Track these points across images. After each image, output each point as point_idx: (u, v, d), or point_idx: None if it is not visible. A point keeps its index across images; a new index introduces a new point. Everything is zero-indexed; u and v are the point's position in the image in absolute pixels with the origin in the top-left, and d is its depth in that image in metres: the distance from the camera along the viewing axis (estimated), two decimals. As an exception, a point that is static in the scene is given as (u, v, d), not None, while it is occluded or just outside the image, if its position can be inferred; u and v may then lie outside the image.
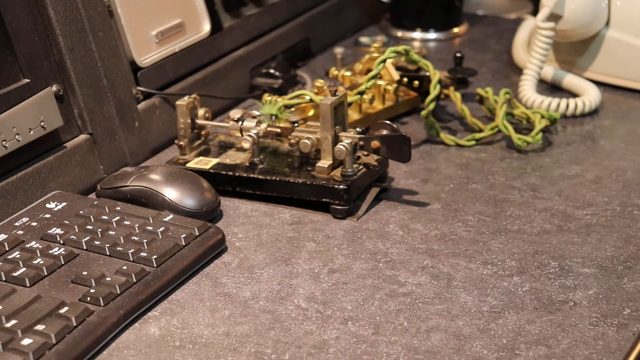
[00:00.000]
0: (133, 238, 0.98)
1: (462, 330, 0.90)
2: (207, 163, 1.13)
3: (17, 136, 1.05)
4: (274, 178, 1.09)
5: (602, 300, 0.93)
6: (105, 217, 1.01)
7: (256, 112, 1.17)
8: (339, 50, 1.36)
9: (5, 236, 0.97)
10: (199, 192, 1.06)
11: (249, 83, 1.36)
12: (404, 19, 1.57)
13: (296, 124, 1.15)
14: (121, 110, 1.17)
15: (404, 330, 0.90)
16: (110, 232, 0.98)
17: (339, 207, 1.07)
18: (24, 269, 0.93)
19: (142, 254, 0.96)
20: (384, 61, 1.19)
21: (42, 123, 1.07)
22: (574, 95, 1.35)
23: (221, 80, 1.32)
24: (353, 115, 1.23)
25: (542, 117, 1.23)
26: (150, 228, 0.99)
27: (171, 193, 1.05)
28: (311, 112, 1.20)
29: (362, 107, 1.25)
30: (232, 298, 0.95)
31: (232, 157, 1.14)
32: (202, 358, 0.87)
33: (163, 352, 0.87)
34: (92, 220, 1.01)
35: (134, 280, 0.92)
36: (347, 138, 1.09)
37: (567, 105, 1.30)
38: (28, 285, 0.91)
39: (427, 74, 1.25)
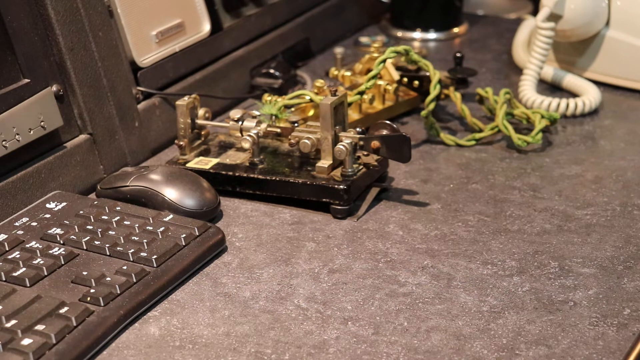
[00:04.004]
0: (133, 238, 0.98)
1: (462, 330, 0.90)
2: (207, 163, 1.13)
3: (17, 136, 1.05)
4: (274, 178, 1.09)
5: (602, 300, 0.93)
6: (105, 217, 1.01)
7: (256, 112, 1.17)
8: (339, 50, 1.36)
9: (5, 236, 0.97)
10: (199, 192, 1.06)
11: (249, 83, 1.36)
12: (404, 19, 1.57)
13: (296, 124, 1.15)
14: (121, 110, 1.17)
15: (404, 330, 0.90)
16: (110, 232, 0.98)
17: (339, 207, 1.07)
18: (24, 269, 0.93)
19: (142, 254, 0.96)
20: (384, 61, 1.19)
21: (42, 123, 1.07)
22: (574, 95, 1.35)
23: (221, 80, 1.32)
24: (353, 115, 1.23)
25: (542, 117, 1.23)
26: (150, 228, 0.99)
27: (171, 193, 1.05)
28: (311, 112, 1.20)
29: (362, 107, 1.25)
30: (232, 298, 0.95)
31: (232, 157, 1.14)
32: (202, 358, 0.87)
33: (163, 352, 0.87)
34: (92, 220, 1.01)
35: (134, 280, 0.92)
36: (347, 138, 1.09)
37: (567, 105, 1.30)
38: (28, 285, 0.91)
39: (427, 74, 1.25)
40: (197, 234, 1.00)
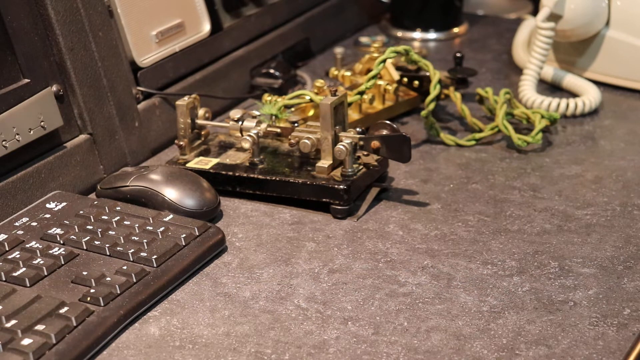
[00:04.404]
0: (133, 238, 0.98)
1: (462, 330, 0.90)
2: (207, 163, 1.13)
3: (17, 136, 1.05)
4: (274, 178, 1.09)
5: (602, 300, 0.93)
6: (105, 217, 1.01)
7: (256, 112, 1.17)
8: (339, 50, 1.36)
9: (5, 236, 0.97)
10: (199, 192, 1.06)
11: (249, 83, 1.36)
12: (404, 19, 1.57)
13: (296, 124, 1.15)
14: (121, 110, 1.17)
15: (404, 330, 0.90)
16: (110, 232, 0.98)
17: (339, 207, 1.07)
18: (24, 269, 0.93)
19: (142, 254, 0.96)
20: (384, 61, 1.19)
21: (42, 123, 1.07)
22: (574, 95, 1.35)
23: (221, 80, 1.32)
24: (353, 115, 1.23)
25: (542, 117, 1.23)
26: (150, 228, 0.99)
27: (171, 193, 1.05)
28: (311, 112, 1.20)
29: (362, 107, 1.25)
30: (232, 298, 0.95)
31: (232, 157, 1.14)
32: (202, 358, 0.87)
33: (163, 352, 0.87)
34: (92, 220, 1.01)
35: (134, 280, 0.92)
36: (347, 138, 1.09)
37: (567, 105, 1.30)
38: (28, 285, 0.91)
39: (427, 74, 1.25)
40: (197, 234, 1.00)
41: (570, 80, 1.36)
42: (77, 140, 1.13)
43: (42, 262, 0.93)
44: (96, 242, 0.97)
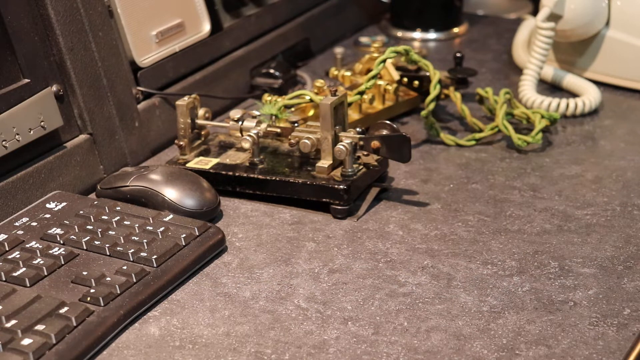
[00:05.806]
0: (133, 238, 0.98)
1: (462, 330, 0.90)
2: (207, 163, 1.13)
3: (17, 136, 1.05)
4: (274, 178, 1.09)
5: (602, 300, 0.93)
6: (105, 217, 1.01)
7: (256, 112, 1.17)
8: (339, 50, 1.36)
9: (5, 236, 0.97)
10: (199, 192, 1.06)
11: (249, 83, 1.36)
12: (404, 19, 1.57)
13: (296, 124, 1.15)
14: (121, 110, 1.17)
15: (404, 330, 0.90)
16: (110, 232, 0.98)
17: (339, 207, 1.07)
18: (24, 269, 0.93)
19: (142, 254, 0.96)
20: (384, 61, 1.19)
21: (42, 123, 1.07)
22: (574, 95, 1.35)
23: (221, 80, 1.32)
24: (353, 115, 1.23)
25: (542, 117, 1.23)
26: (150, 228, 0.99)
27: (171, 193, 1.05)
28: (311, 112, 1.20)
29: (362, 107, 1.25)
30: (232, 298, 0.95)
31: (232, 157, 1.14)
32: (202, 358, 0.87)
33: (163, 352, 0.87)
34: (92, 220, 1.01)
35: (134, 280, 0.92)
36: (347, 138, 1.09)
37: (567, 105, 1.30)
38: (28, 285, 0.91)
39: (427, 74, 1.25)
40: (197, 234, 1.00)
41: (570, 80, 1.36)
42: (77, 140, 1.13)
43: (42, 262, 0.93)
44: (96, 242, 0.97)
